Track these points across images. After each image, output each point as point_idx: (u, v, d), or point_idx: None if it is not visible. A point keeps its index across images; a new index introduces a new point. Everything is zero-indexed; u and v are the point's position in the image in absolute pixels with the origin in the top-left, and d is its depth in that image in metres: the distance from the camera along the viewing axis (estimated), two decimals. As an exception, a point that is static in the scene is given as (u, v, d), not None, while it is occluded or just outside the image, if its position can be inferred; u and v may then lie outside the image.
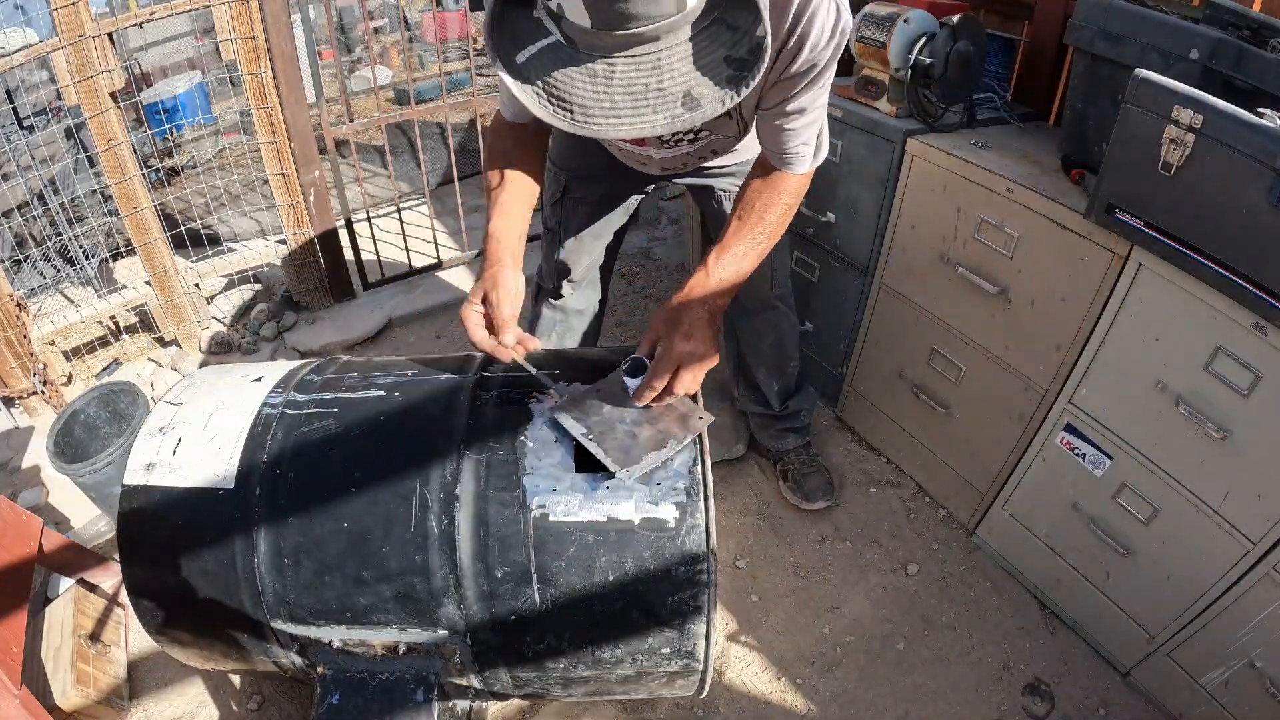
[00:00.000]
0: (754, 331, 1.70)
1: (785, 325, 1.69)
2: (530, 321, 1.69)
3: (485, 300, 1.05)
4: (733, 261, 1.10)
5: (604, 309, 1.69)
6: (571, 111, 0.68)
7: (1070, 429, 1.43)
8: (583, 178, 1.47)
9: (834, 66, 0.98)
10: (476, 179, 2.69)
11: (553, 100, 0.69)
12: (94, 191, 2.61)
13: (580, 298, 1.62)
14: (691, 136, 1.17)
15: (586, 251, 1.56)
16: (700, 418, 1.04)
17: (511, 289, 1.05)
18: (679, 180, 1.49)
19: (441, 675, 1.06)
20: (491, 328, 1.05)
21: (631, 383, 1.05)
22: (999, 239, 1.46)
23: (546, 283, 1.63)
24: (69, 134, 2.77)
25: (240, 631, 1.07)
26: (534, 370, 1.07)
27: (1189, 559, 1.29)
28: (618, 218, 1.55)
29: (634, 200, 1.55)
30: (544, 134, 1.21)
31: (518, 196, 1.14)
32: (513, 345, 1.04)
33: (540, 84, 0.69)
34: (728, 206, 1.50)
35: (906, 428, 1.87)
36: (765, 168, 1.13)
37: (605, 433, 1.01)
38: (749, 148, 1.41)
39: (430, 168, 3.16)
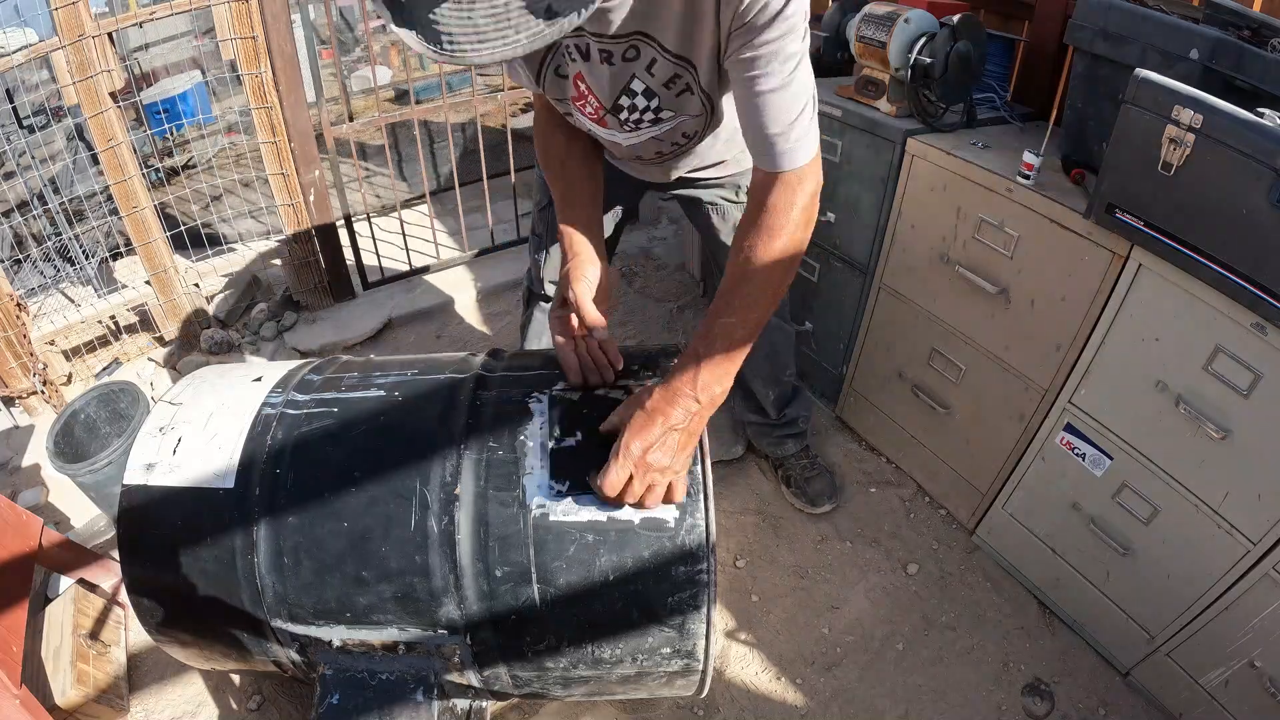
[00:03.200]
0: None
1: (778, 335, 1.68)
2: (522, 326, 1.69)
3: (564, 302, 0.99)
4: (725, 333, 0.94)
5: None
6: (439, 39, 0.64)
7: (1070, 429, 1.43)
8: None
9: (804, 22, 0.88)
10: (477, 184, 2.69)
11: (427, 34, 0.65)
12: (94, 195, 2.62)
13: None
14: (653, 116, 1.06)
15: None
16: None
17: (592, 279, 1.00)
18: (672, 193, 1.47)
19: (441, 675, 1.06)
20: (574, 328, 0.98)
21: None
22: (999, 239, 1.46)
23: (536, 287, 1.61)
24: (69, 135, 2.77)
25: (240, 631, 1.07)
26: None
27: (1189, 559, 1.29)
28: (607, 222, 1.51)
29: (620, 210, 1.52)
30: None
31: (580, 189, 1.11)
32: (606, 336, 0.95)
33: (418, 22, 0.64)
34: (717, 223, 1.49)
35: (906, 428, 1.87)
36: (756, 194, 0.98)
37: None
38: (738, 159, 1.38)
39: (434, 170, 3.16)
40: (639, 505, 0.94)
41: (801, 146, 0.94)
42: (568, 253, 1.07)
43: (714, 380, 0.94)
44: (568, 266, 1.01)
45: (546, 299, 1.59)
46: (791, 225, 0.95)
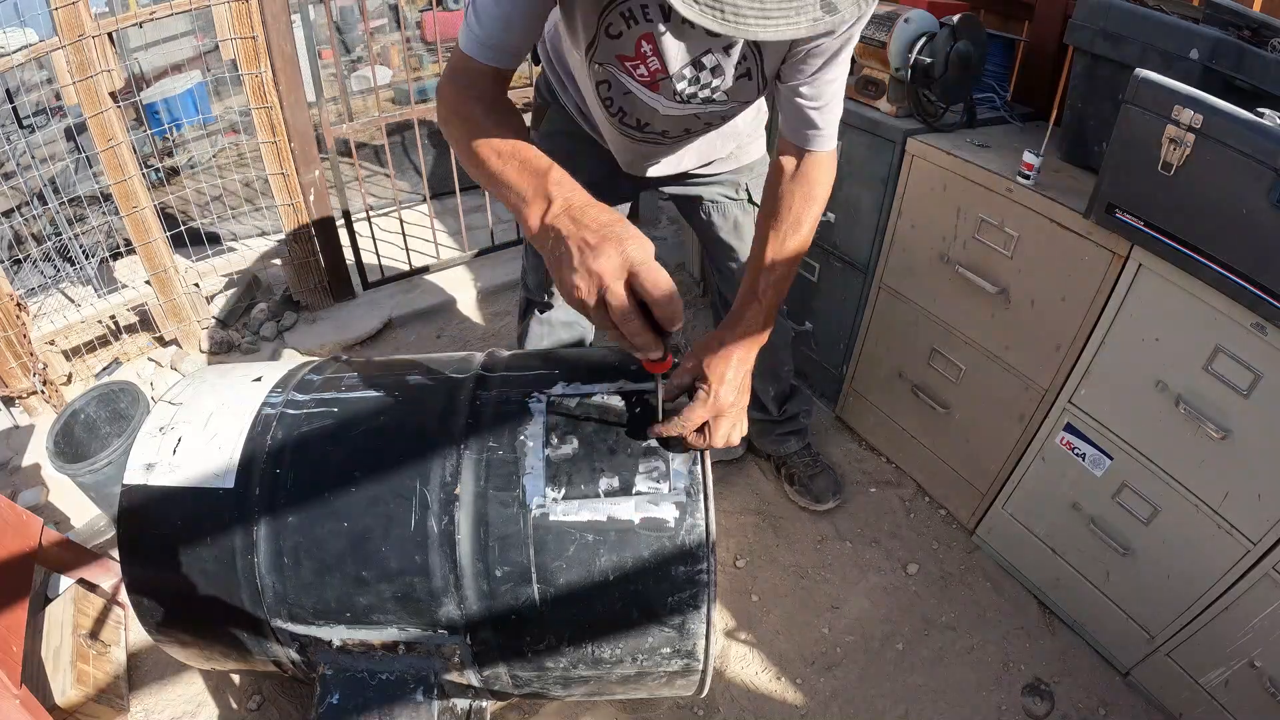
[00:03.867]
0: None
1: (776, 331, 1.66)
2: (519, 338, 1.65)
3: (628, 283, 0.74)
4: (777, 281, 1.06)
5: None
6: (723, 11, 0.65)
7: (1070, 429, 1.43)
8: None
9: (859, 31, 0.96)
10: (477, 188, 2.69)
11: (706, 7, 0.65)
12: (94, 198, 2.62)
13: (567, 310, 1.56)
14: (708, 94, 1.08)
15: None
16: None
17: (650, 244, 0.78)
18: (666, 190, 1.47)
19: (441, 675, 1.06)
20: (654, 324, 0.77)
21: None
22: (999, 239, 1.46)
23: (535, 294, 1.57)
24: (69, 134, 2.77)
25: (240, 631, 1.07)
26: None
27: (1189, 559, 1.29)
28: None
29: (618, 210, 1.51)
30: (505, 85, 0.99)
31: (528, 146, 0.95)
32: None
33: None
34: (716, 219, 1.48)
35: (906, 427, 1.87)
36: (789, 162, 1.08)
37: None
38: (737, 155, 1.39)
39: (433, 170, 3.15)
40: (712, 446, 0.99)
41: (835, 133, 1.08)
42: (596, 207, 0.81)
43: (769, 322, 1.06)
44: (620, 225, 0.77)
45: (545, 308, 1.56)
46: (826, 195, 1.09)
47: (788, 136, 1.08)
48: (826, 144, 1.06)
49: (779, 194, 1.08)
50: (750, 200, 1.47)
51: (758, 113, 1.34)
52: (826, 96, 1.02)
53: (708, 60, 1.02)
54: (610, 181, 1.40)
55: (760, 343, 1.05)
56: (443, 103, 0.96)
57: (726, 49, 1.00)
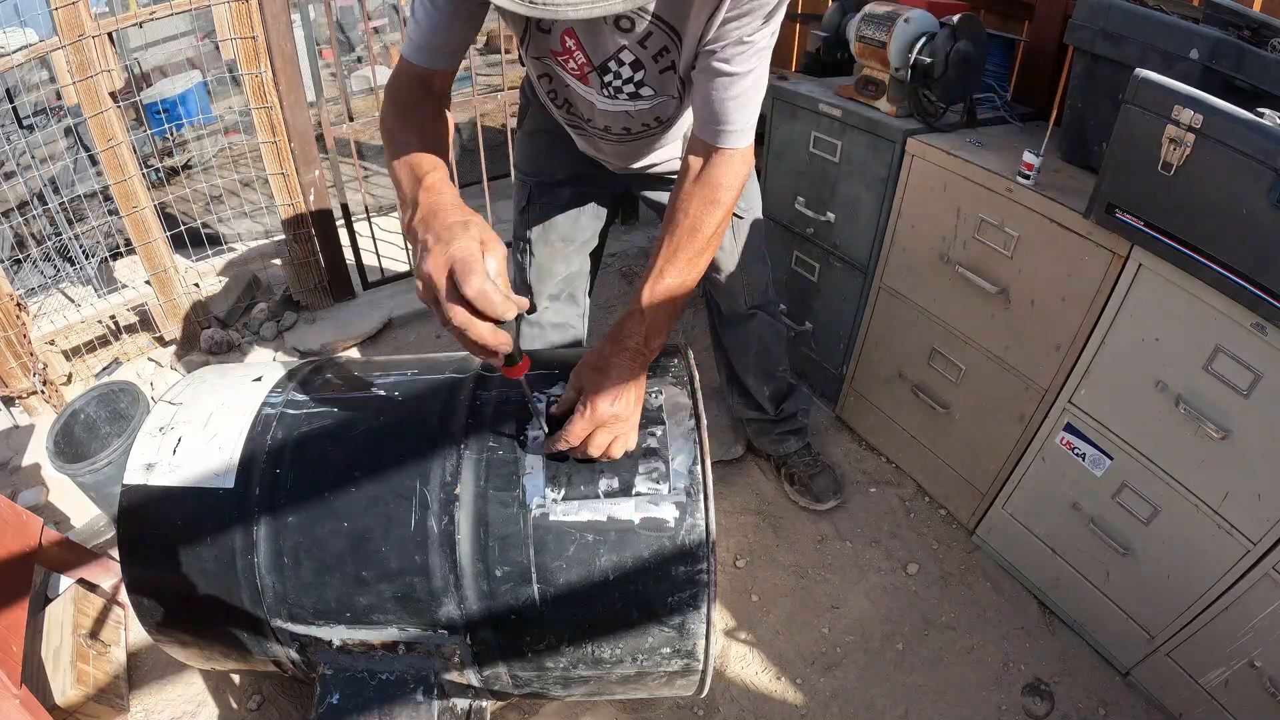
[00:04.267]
0: (738, 342, 1.70)
1: (768, 332, 1.67)
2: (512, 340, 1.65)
3: (451, 275, 0.76)
4: (667, 292, 1.00)
5: (586, 323, 1.62)
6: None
7: (1070, 429, 1.43)
8: (547, 184, 1.44)
9: (780, 14, 0.92)
10: (477, 184, 2.69)
11: None
12: (94, 194, 2.62)
13: (558, 311, 1.55)
14: (633, 90, 1.08)
15: (561, 259, 1.50)
16: None
17: (502, 246, 0.80)
18: (645, 194, 1.47)
19: (441, 675, 1.06)
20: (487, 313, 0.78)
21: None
22: (999, 239, 1.47)
23: (524, 297, 1.57)
24: (69, 133, 2.77)
25: (240, 630, 1.07)
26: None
27: (1189, 559, 1.29)
28: (588, 223, 1.49)
29: (602, 210, 1.50)
30: (446, 101, 1.04)
31: (435, 160, 0.93)
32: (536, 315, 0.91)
33: None
34: None
35: (906, 427, 1.87)
36: (696, 162, 1.03)
37: None
38: None
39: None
40: (602, 457, 0.98)
41: (751, 129, 1.02)
42: (449, 205, 0.83)
43: (656, 335, 1.02)
44: (462, 221, 0.79)
45: (532, 309, 1.54)
46: (732, 199, 1.03)
47: (697, 133, 1.03)
48: (738, 141, 1.00)
49: (679, 196, 1.03)
50: None
51: None
52: (743, 92, 0.97)
53: (625, 55, 1.02)
54: (593, 177, 1.40)
55: (646, 358, 1.00)
56: (383, 103, 1.03)
57: (641, 41, 1.00)
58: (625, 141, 1.24)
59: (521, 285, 1.55)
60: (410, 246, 0.84)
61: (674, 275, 1.02)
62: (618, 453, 0.98)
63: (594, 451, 0.96)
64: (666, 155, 1.34)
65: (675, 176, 1.37)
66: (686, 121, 1.22)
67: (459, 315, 0.77)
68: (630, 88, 1.08)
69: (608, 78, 1.07)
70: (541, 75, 1.14)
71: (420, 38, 0.96)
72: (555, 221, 1.46)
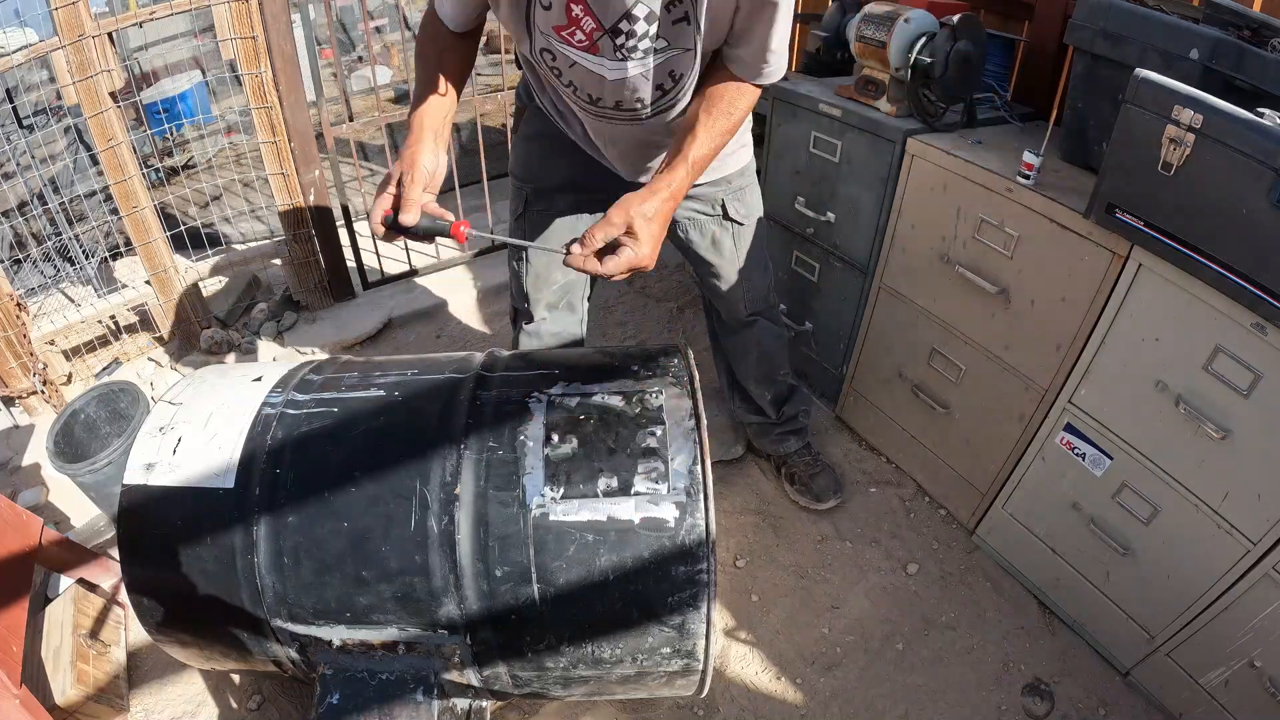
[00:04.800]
0: (738, 348, 1.69)
1: (767, 337, 1.67)
2: (513, 345, 1.61)
3: (398, 183, 1.01)
4: (709, 150, 1.12)
5: (585, 330, 1.60)
6: None
7: (1070, 429, 1.43)
8: (544, 191, 1.42)
9: None
10: (477, 184, 2.69)
11: None
12: (93, 194, 2.62)
13: (556, 321, 1.53)
14: (648, 45, 1.08)
15: (559, 267, 1.45)
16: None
17: (427, 167, 1.02)
18: None
19: (441, 674, 1.06)
20: (396, 209, 1.00)
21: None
22: (999, 239, 1.47)
23: (520, 304, 1.54)
24: (68, 131, 2.77)
25: (240, 630, 1.07)
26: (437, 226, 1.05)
27: (1189, 559, 1.29)
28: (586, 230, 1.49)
29: (600, 216, 1.49)
30: (472, 38, 1.20)
31: (444, 83, 1.11)
32: (414, 223, 1.00)
33: None
34: (694, 235, 1.47)
35: (906, 427, 1.87)
36: (722, 74, 1.13)
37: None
38: (715, 166, 1.33)
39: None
40: (601, 273, 1.04)
41: (781, 69, 1.12)
42: (414, 136, 1.06)
43: (684, 190, 1.11)
44: (411, 149, 1.03)
45: (530, 319, 1.53)
46: (751, 107, 1.16)
47: (737, 69, 1.12)
48: (774, 74, 1.12)
49: (716, 84, 1.12)
50: (726, 216, 1.45)
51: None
52: (780, 25, 1.05)
53: (639, 11, 1.02)
54: (591, 183, 1.38)
55: (675, 200, 1.09)
56: (418, 36, 1.19)
57: None
58: (636, 122, 1.21)
59: (518, 293, 1.53)
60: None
61: (715, 140, 1.12)
62: (613, 270, 1.05)
63: (608, 269, 1.03)
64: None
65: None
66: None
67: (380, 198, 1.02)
68: (646, 43, 1.07)
69: (619, 39, 1.05)
70: (543, 50, 1.12)
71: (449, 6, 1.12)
72: (553, 228, 1.43)
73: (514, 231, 1.48)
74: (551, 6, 1.03)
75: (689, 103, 1.18)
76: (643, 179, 1.33)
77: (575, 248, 1.03)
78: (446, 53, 1.14)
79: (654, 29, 1.05)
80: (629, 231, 1.03)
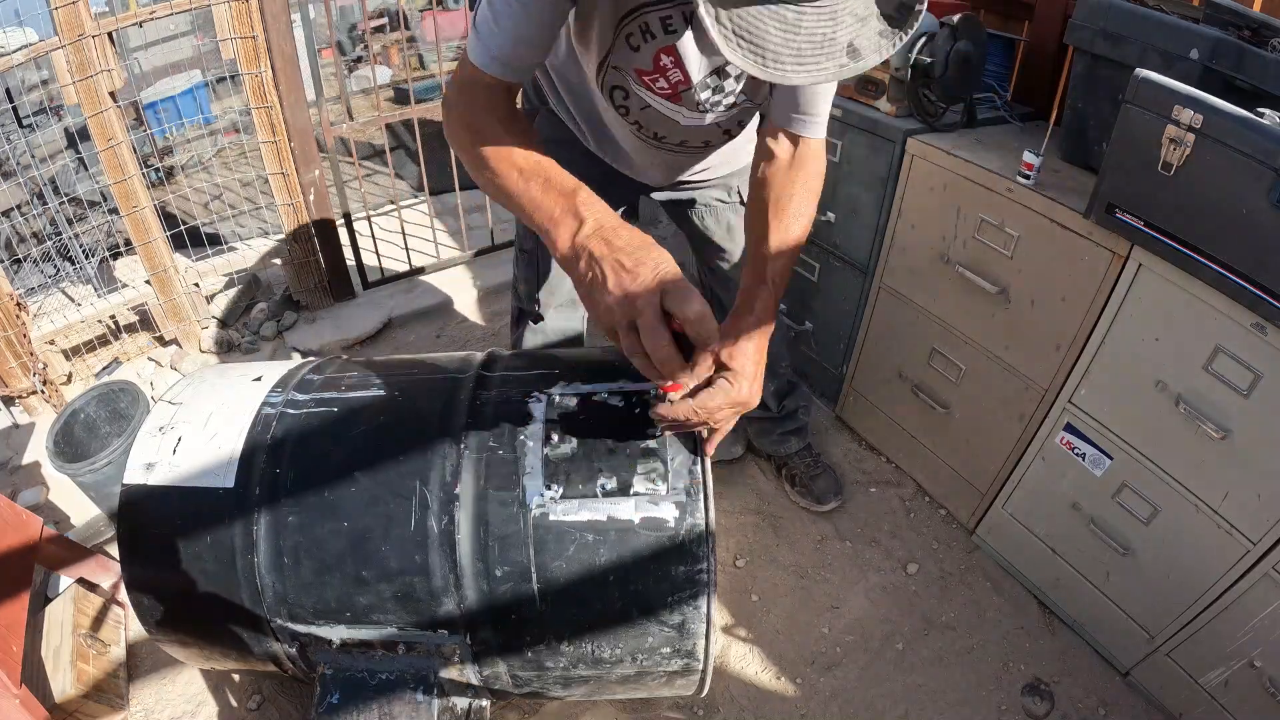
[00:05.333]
0: None
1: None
2: (513, 345, 1.62)
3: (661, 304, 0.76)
4: (785, 270, 1.02)
5: (585, 323, 1.59)
6: (763, 57, 0.68)
7: (1070, 429, 1.43)
8: None
9: None
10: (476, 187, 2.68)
11: (742, 44, 0.67)
12: (93, 204, 2.61)
13: (562, 316, 1.52)
14: (731, 100, 1.08)
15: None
16: None
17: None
18: (657, 196, 1.45)
19: (441, 674, 1.06)
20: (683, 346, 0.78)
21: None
22: (999, 238, 1.46)
23: (526, 304, 1.53)
24: (65, 133, 2.77)
25: (240, 630, 1.07)
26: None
27: (1189, 559, 1.29)
28: None
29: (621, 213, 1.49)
30: (514, 97, 0.98)
31: (544, 158, 0.90)
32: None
33: (729, 25, 0.67)
34: (710, 222, 1.48)
35: (906, 427, 1.87)
36: (784, 150, 1.04)
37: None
38: (729, 160, 1.36)
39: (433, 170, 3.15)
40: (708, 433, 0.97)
41: (826, 120, 1.05)
42: (619, 226, 0.81)
43: (774, 313, 1.01)
44: (654, 249, 0.78)
45: (538, 318, 1.52)
46: (821, 185, 1.07)
47: (778, 121, 1.04)
48: (820, 131, 1.04)
49: (779, 182, 1.05)
50: (742, 202, 1.46)
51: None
52: (829, 85, 1.00)
53: (731, 68, 1.02)
54: (605, 188, 1.37)
55: (770, 330, 1.00)
56: (451, 114, 0.93)
57: None
58: (694, 154, 1.22)
59: (528, 296, 1.53)
60: (576, 263, 0.79)
61: (789, 254, 1.03)
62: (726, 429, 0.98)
63: (720, 424, 0.96)
64: (715, 162, 1.33)
65: (692, 180, 1.37)
66: (749, 130, 1.23)
67: (667, 343, 0.76)
68: (729, 99, 1.07)
69: (705, 94, 1.05)
70: (616, 87, 1.08)
71: (500, 50, 0.87)
72: None
73: (523, 234, 1.47)
74: (639, 50, 0.99)
75: (742, 134, 1.21)
76: (681, 177, 1.34)
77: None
78: (510, 120, 0.91)
79: (741, 85, 1.06)
80: (725, 367, 0.93)
